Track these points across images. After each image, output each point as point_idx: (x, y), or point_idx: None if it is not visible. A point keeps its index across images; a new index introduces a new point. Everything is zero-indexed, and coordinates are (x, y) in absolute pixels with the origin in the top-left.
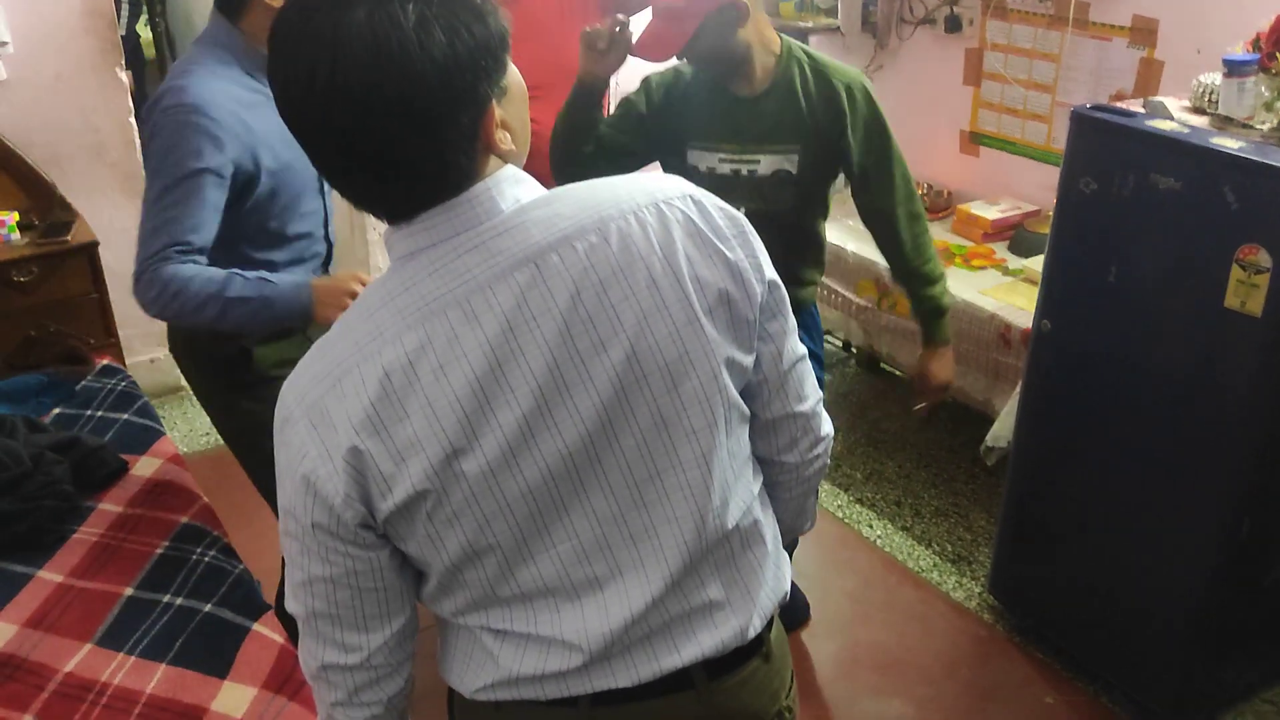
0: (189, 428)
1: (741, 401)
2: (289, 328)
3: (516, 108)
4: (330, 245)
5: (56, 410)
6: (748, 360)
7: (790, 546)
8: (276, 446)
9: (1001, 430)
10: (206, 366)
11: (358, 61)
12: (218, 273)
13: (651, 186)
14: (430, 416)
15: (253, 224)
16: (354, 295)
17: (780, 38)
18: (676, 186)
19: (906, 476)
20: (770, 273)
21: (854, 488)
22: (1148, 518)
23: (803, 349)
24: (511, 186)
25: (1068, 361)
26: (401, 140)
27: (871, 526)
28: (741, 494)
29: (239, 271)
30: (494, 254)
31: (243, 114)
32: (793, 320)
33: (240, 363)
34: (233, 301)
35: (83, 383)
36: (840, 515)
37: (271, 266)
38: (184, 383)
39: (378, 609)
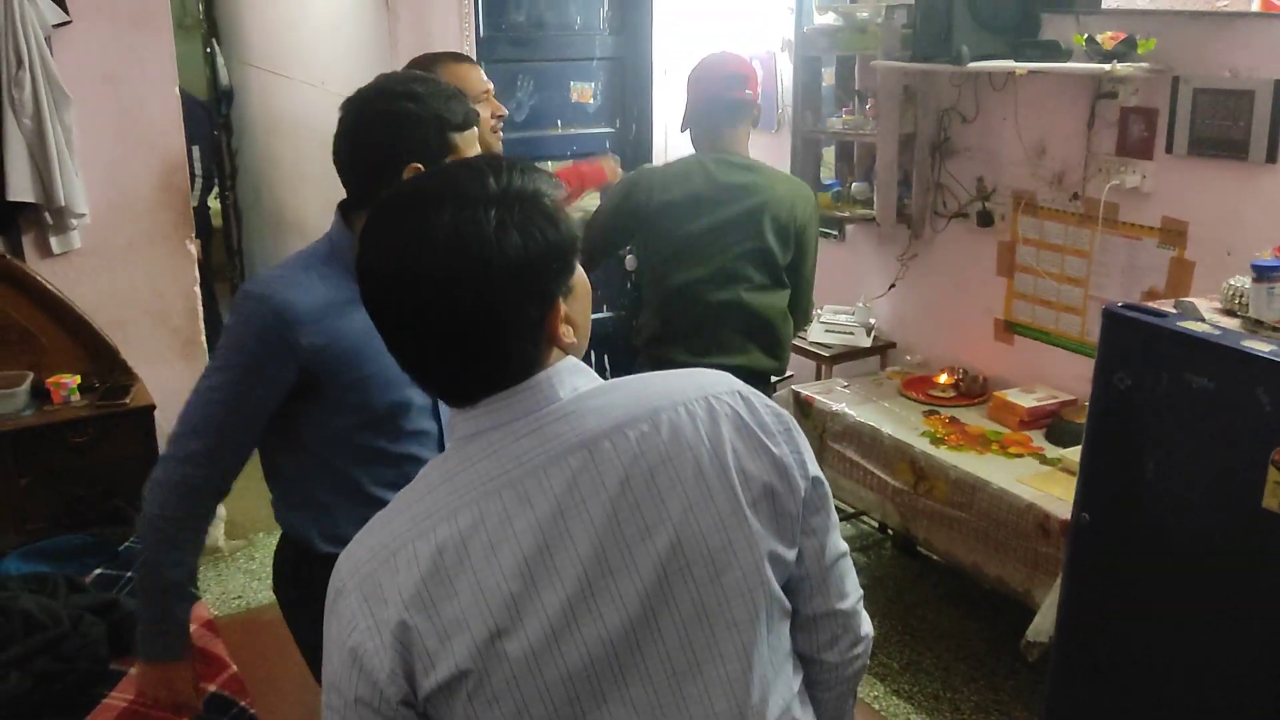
0: (222, 590)
1: (783, 596)
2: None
3: (580, 304)
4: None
5: (98, 571)
6: (790, 554)
7: None
8: (326, 618)
9: (1043, 624)
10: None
11: (439, 254)
12: (169, 534)
13: (703, 381)
14: (478, 595)
15: (343, 436)
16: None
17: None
18: (726, 383)
19: (945, 669)
20: (814, 469)
21: (890, 678)
22: (1196, 715)
23: (844, 546)
24: (571, 376)
25: (1108, 556)
26: (474, 326)
27: None
28: (782, 690)
29: (174, 559)
30: (550, 439)
31: (333, 316)
32: (834, 516)
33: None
34: (144, 569)
35: (125, 544)
36: (877, 706)
37: (378, 481)
38: (221, 544)
39: None
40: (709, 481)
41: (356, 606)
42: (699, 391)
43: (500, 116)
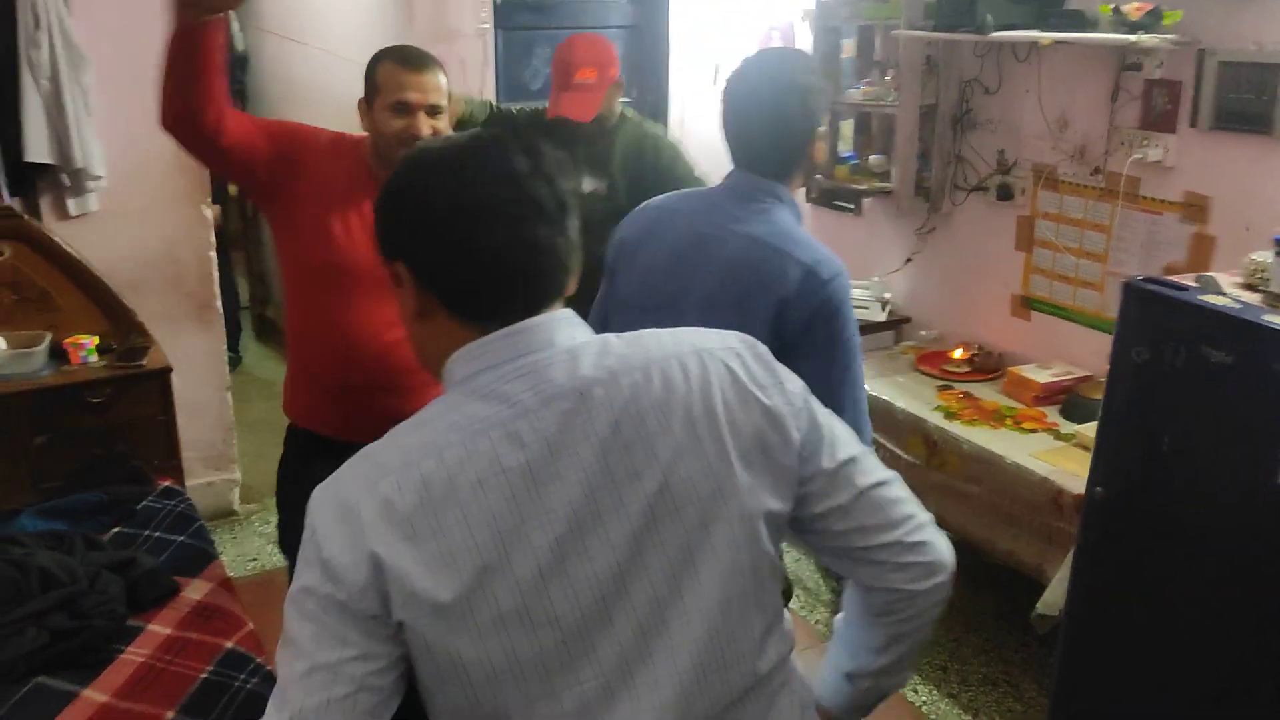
0: (238, 551)
1: (774, 552)
2: None
3: None
4: None
5: (116, 529)
6: (786, 508)
7: None
8: (305, 536)
9: (1053, 598)
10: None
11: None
12: None
13: (696, 338)
14: (465, 530)
15: None
16: None
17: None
18: (721, 339)
19: (955, 640)
20: (820, 416)
21: None
22: (1205, 692)
23: (882, 475)
24: (569, 326)
25: (1121, 529)
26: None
27: (916, 691)
28: (768, 646)
29: None
30: (543, 382)
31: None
32: (855, 449)
33: None
34: None
35: (143, 503)
36: None
37: None
38: (237, 508)
39: (379, 711)
40: (698, 430)
41: (334, 527)
42: (692, 347)
43: (411, 135)
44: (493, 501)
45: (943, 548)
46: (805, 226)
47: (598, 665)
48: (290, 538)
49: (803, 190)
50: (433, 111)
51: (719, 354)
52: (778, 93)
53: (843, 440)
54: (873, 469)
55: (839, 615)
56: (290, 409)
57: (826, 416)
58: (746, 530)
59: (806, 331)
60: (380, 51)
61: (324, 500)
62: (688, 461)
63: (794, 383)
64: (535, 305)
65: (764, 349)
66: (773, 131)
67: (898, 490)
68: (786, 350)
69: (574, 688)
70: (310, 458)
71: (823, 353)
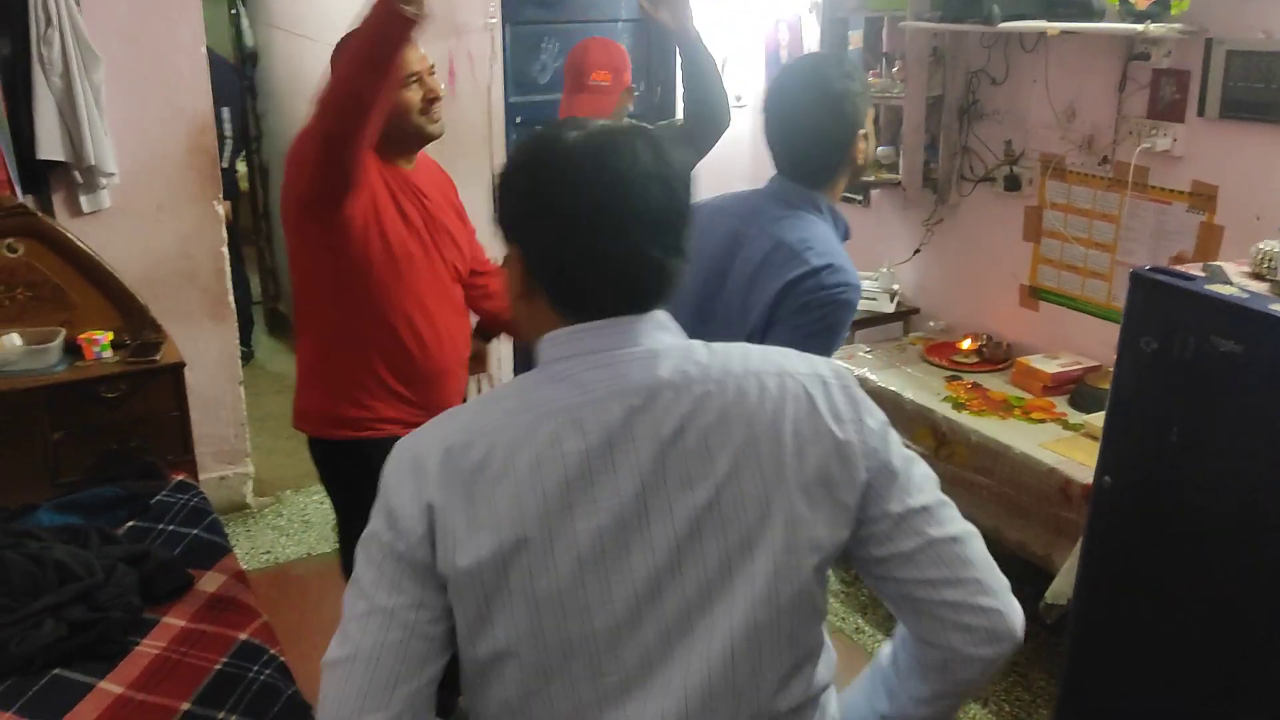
0: (251, 545)
1: (817, 592)
2: None
3: None
4: None
5: (131, 523)
6: (838, 544)
7: None
8: (381, 485)
9: (1062, 587)
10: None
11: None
12: None
13: (784, 360)
14: (515, 503)
15: None
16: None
17: None
18: (810, 366)
19: None
20: (896, 459)
21: None
22: (1214, 679)
23: (951, 530)
24: (657, 329)
25: (1129, 519)
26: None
27: None
28: (796, 687)
29: None
30: (619, 376)
31: None
32: (934, 498)
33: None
34: None
35: (157, 497)
36: None
37: None
38: (250, 501)
39: (416, 664)
40: (760, 451)
41: (405, 478)
42: (776, 368)
43: (433, 99)
44: (545, 482)
45: (1012, 617)
46: None
47: (620, 663)
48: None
49: None
50: (431, 70)
51: (802, 379)
52: (815, 103)
53: (919, 486)
54: (947, 520)
55: (886, 647)
56: (353, 427)
57: (905, 461)
58: (791, 563)
59: (794, 317)
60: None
61: (401, 451)
62: (743, 481)
63: (875, 419)
64: (635, 308)
65: (852, 380)
66: (812, 142)
67: (973, 549)
68: (771, 324)
69: (593, 680)
70: None
71: (797, 330)
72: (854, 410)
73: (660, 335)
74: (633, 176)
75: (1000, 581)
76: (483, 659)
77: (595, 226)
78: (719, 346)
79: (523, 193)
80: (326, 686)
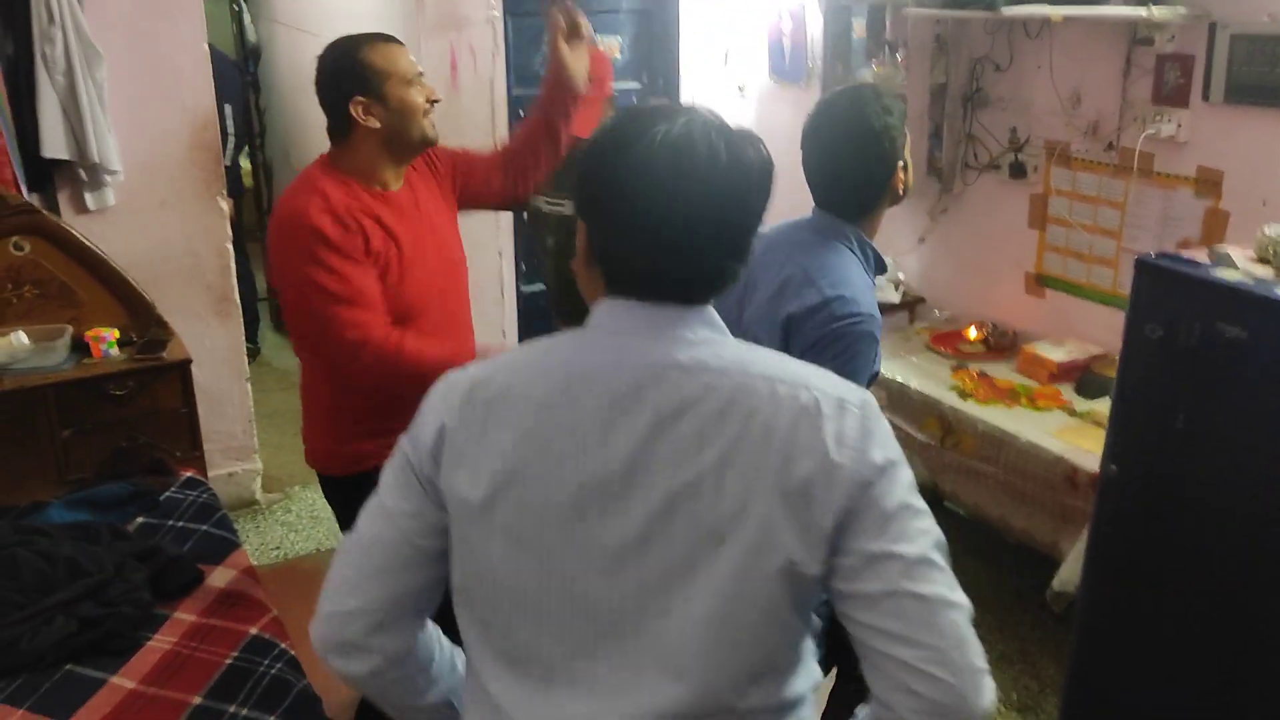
0: (260, 540)
1: (783, 603)
2: None
3: None
4: None
5: (140, 519)
6: (812, 568)
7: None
8: (419, 407)
9: (1069, 575)
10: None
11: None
12: None
13: (808, 375)
14: (514, 444)
15: None
16: None
17: None
18: (833, 387)
19: (971, 620)
20: (892, 501)
21: None
22: (1221, 669)
23: (929, 591)
24: (693, 319)
25: (1136, 506)
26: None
27: None
28: (754, 694)
29: None
30: (637, 352)
31: None
32: (922, 552)
33: None
34: None
35: (166, 493)
36: None
37: None
38: (259, 497)
39: (400, 567)
40: (750, 449)
41: (435, 401)
42: (795, 378)
43: (434, 101)
44: (546, 427)
45: (972, 698)
46: None
47: (578, 628)
48: None
49: None
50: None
51: (819, 395)
52: (854, 141)
53: (909, 537)
54: (925, 579)
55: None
56: (362, 462)
57: (905, 510)
58: (759, 564)
59: (809, 353)
60: (353, 45)
61: (440, 382)
62: (727, 475)
63: (883, 456)
64: (687, 300)
65: (877, 415)
66: (849, 179)
67: (944, 617)
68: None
69: (552, 637)
70: None
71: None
72: (862, 440)
73: (695, 325)
74: (709, 182)
75: (968, 661)
76: (457, 586)
77: (661, 229)
78: (752, 347)
79: (598, 180)
80: (330, 570)
